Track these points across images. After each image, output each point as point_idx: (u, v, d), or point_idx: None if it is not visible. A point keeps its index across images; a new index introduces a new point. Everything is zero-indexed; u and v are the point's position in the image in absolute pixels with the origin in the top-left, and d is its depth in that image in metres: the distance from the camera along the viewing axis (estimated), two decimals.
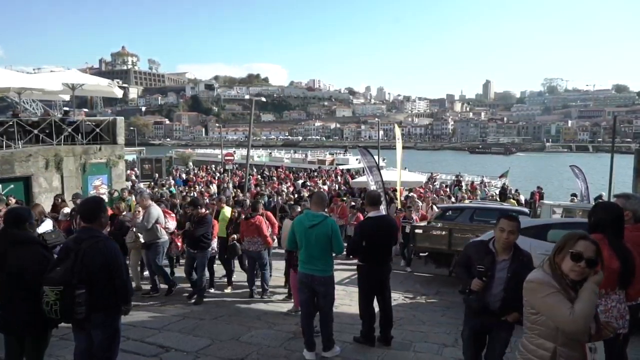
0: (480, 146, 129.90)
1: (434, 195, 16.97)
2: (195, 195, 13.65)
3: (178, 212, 9.66)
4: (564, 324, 2.19)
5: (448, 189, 21.65)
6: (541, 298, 2.27)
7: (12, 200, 8.16)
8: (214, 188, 18.55)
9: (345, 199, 14.02)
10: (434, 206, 13.22)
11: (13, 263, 3.31)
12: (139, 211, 7.43)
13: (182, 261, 8.61)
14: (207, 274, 7.44)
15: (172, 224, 7.66)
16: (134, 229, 7.20)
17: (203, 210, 7.03)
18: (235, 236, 7.80)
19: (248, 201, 10.10)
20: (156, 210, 7.16)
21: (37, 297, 3.15)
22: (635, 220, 3.43)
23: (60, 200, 9.06)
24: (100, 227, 3.48)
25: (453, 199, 17.53)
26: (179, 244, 8.01)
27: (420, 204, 12.68)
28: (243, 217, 7.68)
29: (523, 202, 19.18)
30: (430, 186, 22.70)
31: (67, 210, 8.33)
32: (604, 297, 3.02)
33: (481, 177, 30.88)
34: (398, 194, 14.62)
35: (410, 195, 14.78)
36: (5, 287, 3.33)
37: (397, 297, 7.55)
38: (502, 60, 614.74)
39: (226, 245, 7.91)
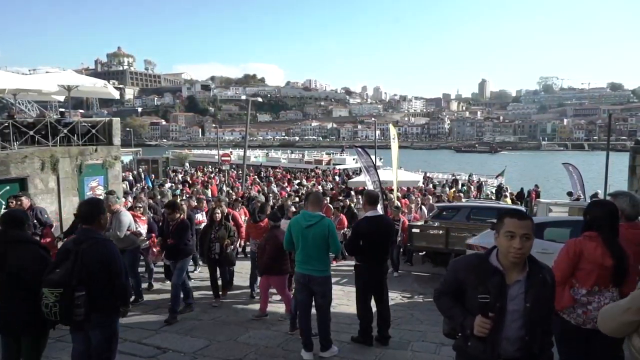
0: (476, 145, 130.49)
1: (426, 195, 16.93)
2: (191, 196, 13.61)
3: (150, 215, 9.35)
4: None
5: (447, 188, 21.67)
6: None
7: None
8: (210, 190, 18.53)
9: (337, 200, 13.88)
10: (423, 207, 13.20)
11: (13, 263, 3.32)
12: None
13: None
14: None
15: (143, 229, 7.28)
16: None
17: (178, 214, 6.43)
18: (228, 241, 7.15)
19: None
20: (127, 217, 6.62)
21: (36, 297, 3.15)
22: (626, 218, 3.45)
23: (15, 202, 6.97)
24: (100, 228, 3.50)
25: (446, 199, 17.54)
26: (155, 250, 7.53)
27: (398, 203, 12.45)
28: (247, 218, 7.57)
29: (526, 199, 19.22)
30: (423, 186, 22.66)
31: None
32: (598, 294, 3.07)
33: (470, 174, 31.02)
34: (394, 193, 14.62)
35: (390, 195, 14.61)
36: (5, 287, 3.33)
37: (394, 297, 7.57)
38: (499, 59, 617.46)
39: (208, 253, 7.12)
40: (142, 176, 24.14)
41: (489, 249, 2.39)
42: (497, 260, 2.28)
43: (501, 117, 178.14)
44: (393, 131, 15.52)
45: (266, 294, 6.33)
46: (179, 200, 10.82)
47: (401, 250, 10.16)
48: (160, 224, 7.62)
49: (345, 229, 10.74)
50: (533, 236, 2.23)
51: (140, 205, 8.07)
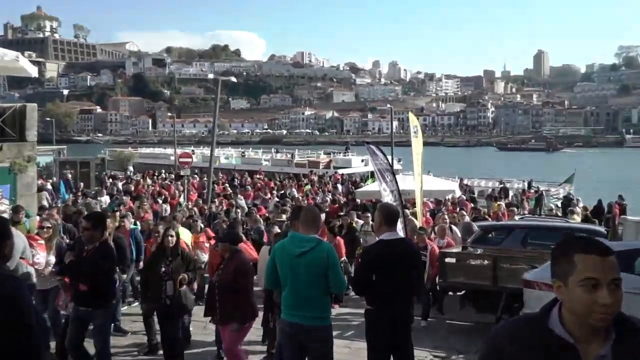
0: (533, 140, 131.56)
1: (460, 210, 16.79)
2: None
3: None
4: None
5: (492, 201, 21.58)
6: None
7: None
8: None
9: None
10: (453, 227, 13.12)
11: None
12: None
13: None
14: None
15: (42, 257, 6.91)
16: None
17: (100, 234, 5.78)
18: (186, 276, 6.62)
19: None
20: (19, 239, 6.09)
21: None
22: None
23: None
24: (4, 259, 3.40)
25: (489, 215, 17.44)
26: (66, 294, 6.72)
27: (418, 223, 12.40)
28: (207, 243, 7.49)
29: (606, 216, 19.15)
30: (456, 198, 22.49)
31: None
32: None
33: (530, 181, 31.10)
34: (418, 209, 14.55)
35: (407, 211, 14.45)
36: None
37: (423, 357, 7.47)
38: (560, 24, 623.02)
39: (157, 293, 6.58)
40: (71, 185, 24.00)
41: (545, 306, 2.04)
42: (562, 325, 1.94)
43: (566, 102, 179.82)
44: (415, 122, 15.50)
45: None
46: (118, 216, 10.60)
47: (430, 291, 10.04)
48: (72, 245, 7.09)
49: (344, 259, 10.63)
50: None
51: (48, 225, 7.72)
